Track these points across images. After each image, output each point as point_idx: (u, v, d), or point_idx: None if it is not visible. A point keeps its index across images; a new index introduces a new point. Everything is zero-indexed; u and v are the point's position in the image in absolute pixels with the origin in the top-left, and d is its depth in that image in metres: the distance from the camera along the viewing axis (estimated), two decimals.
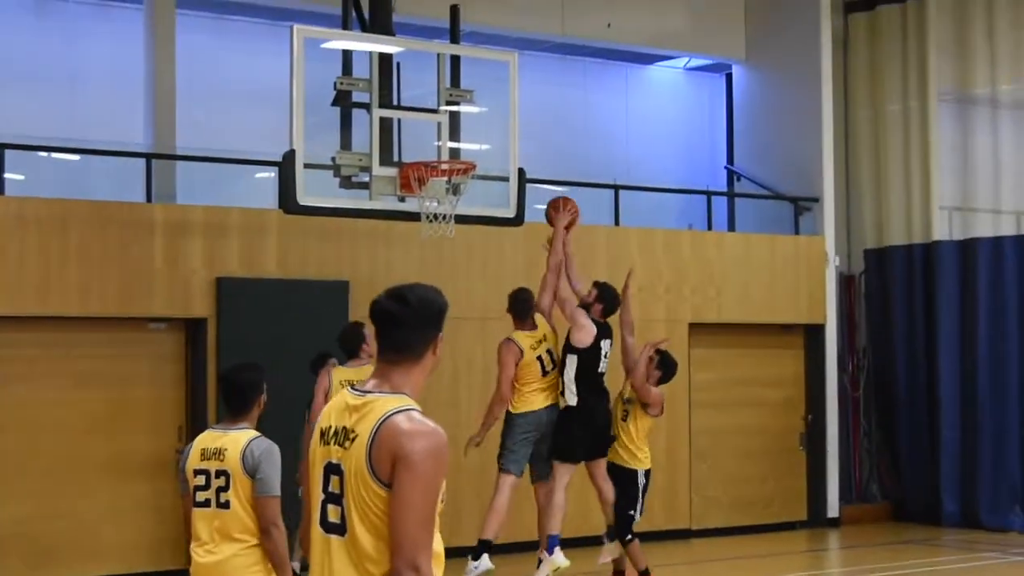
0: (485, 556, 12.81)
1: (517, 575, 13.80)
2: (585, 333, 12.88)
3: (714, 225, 19.01)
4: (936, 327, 18.95)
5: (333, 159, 12.66)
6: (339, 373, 12.34)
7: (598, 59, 19.97)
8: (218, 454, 7.28)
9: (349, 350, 12.56)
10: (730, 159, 20.63)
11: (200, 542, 7.31)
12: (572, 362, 12.83)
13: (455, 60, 13.21)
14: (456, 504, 14.92)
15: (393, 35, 13.07)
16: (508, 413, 13.03)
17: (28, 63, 15.92)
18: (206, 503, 7.28)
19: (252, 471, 7.18)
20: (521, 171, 13.36)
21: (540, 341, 13.10)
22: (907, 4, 19.59)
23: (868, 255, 19.97)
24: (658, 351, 13.53)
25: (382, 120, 12.68)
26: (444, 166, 12.67)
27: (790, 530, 18.55)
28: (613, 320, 13.48)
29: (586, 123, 19.80)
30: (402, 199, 12.86)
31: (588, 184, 18.50)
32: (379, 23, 13.06)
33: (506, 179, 13.35)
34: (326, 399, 12.06)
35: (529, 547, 14.14)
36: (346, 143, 12.77)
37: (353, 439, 4.52)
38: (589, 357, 12.88)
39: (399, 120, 12.92)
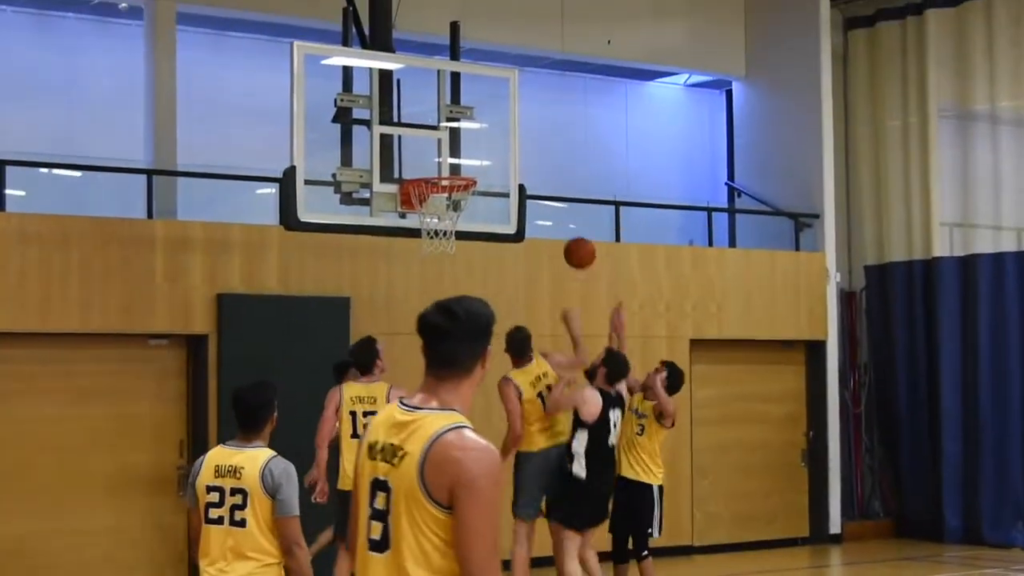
0: None
1: None
2: (591, 406, 12.61)
3: (715, 241, 19.01)
4: (937, 343, 18.94)
5: (334, 175, 12.65)
6: (350, 389, 12.28)
7: (598, 76, 19.99)
8: (234, 472, 7.25)
9: (362, 365, 12.43)
10: (730, 175, 20.63)
11: (210, 559, 7.29)
12: (582, 437, 12.56)
13: (455, 77, 13.21)
14: None
15: (393, 52, 13.07)
16: (516, 454, 12.92)
17: (29, 79, 15.94)
18: (219, 520, 7.25)
19: (272, 492, 7.17)
20: (521, 187, 13.35)
21: (538, 378, 13.03)
22: (907, 21, 19.61)
23: (869, 271, 19.97)
24: (664, 363, 13.53)
25: (382, 136, 12.68)
26: (444, 182, 12.66)
27: (792, 546, 18.52)
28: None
29: (586, 139, 19.81)
30: (403, 215, 12.86)
31: (589, 200, 18.53)
32: (379, 40, 13.07)
33: (506, 195, 13.34)
34: (337, 415, 12.03)
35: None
36: (347, 159, 12.76)
37: (402, 456, 4.46)
38: (599, 430, 12.60)
39: (399, 136, 12.91)
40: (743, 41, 20.12)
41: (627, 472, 13.05)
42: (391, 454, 4.50)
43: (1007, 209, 19.05)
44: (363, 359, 12.38)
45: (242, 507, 7.19)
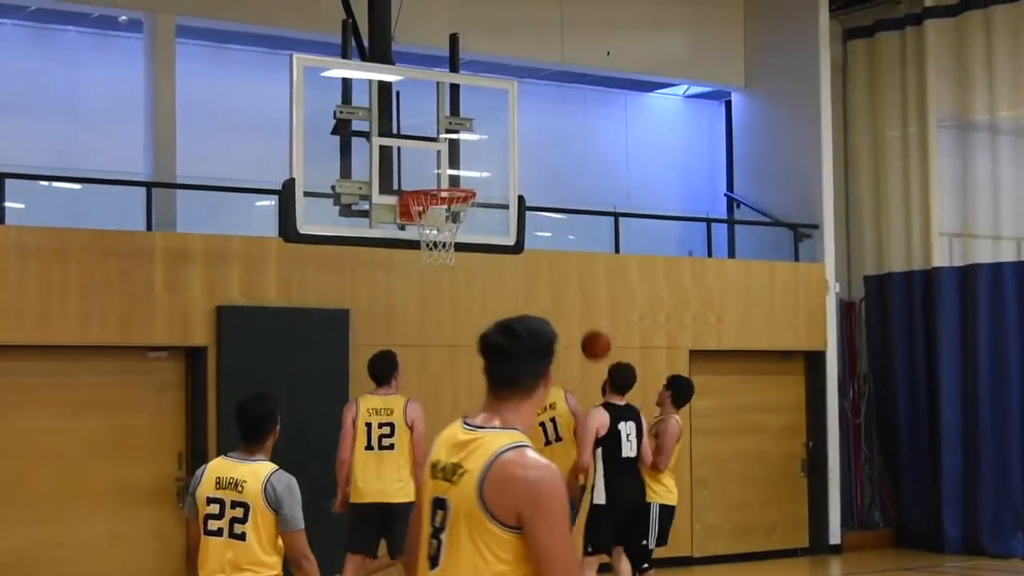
0: None
1: None
2: (594, 420, 12.61)
3: (714, 252, 19.02)
4: (937, 353, 18.94)
5: (333, 187, 12.66)
6: (366, 401, 12.25)
7: (597, 87, 20.01)
8: (235, 485, 7.26)
9: (379, 377, 12.41)
10: (730, 186, 20.64)
11: (208, 571, 7.31)
12: (598, 456, 12.63)
13: (454, 88, 13.22)
14: None
15: (392, 64, 13.09)
16: None
17: (28, 92, 15.95)
18: (218, 532, 7.28)
19: (275, 506, 7.19)
20: (521, 199, 13.36)
21: (545, 408, 13.11)
22: (906, 31, 19.62)
23: (868, 281, 19.97)
24: (670, 379, 13.57)
25: (382, 148, 12.69)
26: (444, 194, 12.67)
27: (792, 557, 18.51)
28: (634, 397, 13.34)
29: (586, 150, 19.83)
30: (402, 227, 12.87)
31: (588, 212, 18.53)
32: (378, 52, 13.09)
33: (506, 207, 13.34)
34: (354, 427, 12.01)
35: None
36: (346, 171, 12.77)
37: (462, 475, 4.47)
38: (609, 442, 12.62)
39: (399, 148, 12.93)
40: (742, 52, 20.14)
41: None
42: (451, 472, 4.51)
43: (1006, 219, 19.05)
44: (382, 371, 12.34)
45: (243, 520, 7.21)
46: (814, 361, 19.04)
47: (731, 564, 17.81)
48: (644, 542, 13.04)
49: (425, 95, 13.18)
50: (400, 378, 12.44)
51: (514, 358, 4.60)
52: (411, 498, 11.70)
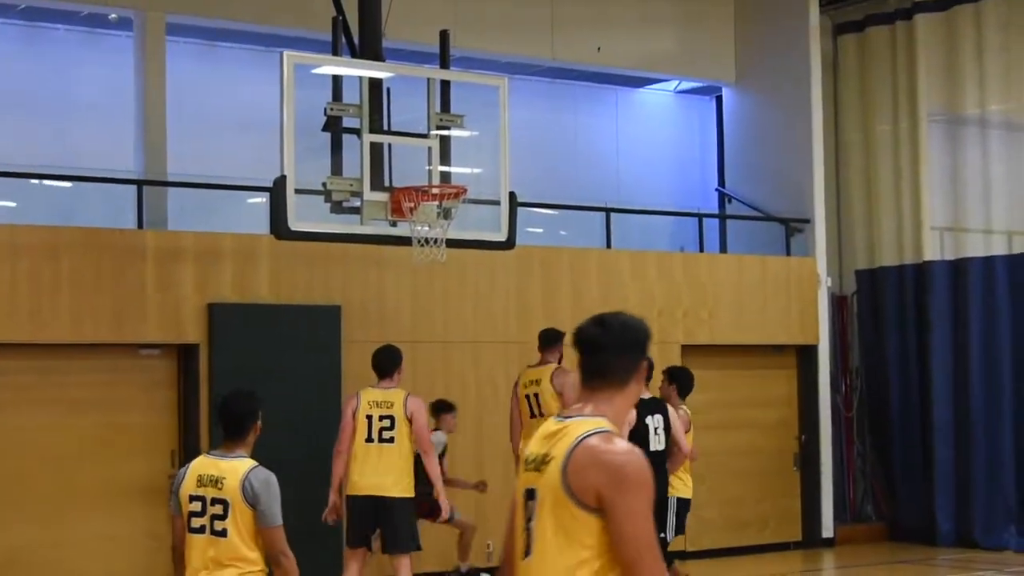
0: None
1: None
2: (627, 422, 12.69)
3: (706, 247, 19.03)
4: (928, 346, 18.97)
5: (324, 184, 12.66)
6: (368, 394, 12.19)
7: (588, 83, 20.02)
8: (215, 482, 7.30)
9: (382, 370, 12.32)
10: (721, 181, 20.67)
11: (192, 568, 7.35)
12: None
13: (445, 85, 13.23)
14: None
15: (383, 60, 13.09)
16: None
17: (19, 90, 15.94)
18: (201, 530, 7.31)
19: (253, 502, 7.21)
20: (512, 195, 13.37)
21: (530, 384, 13.24)
22: (896, 26, 19.64)
23: (860, 275, 19.99)
24: (665, 372, 13.58)
25: (373, 145, 12.70)
26: (435, 190, 12.68)
27: (785, 550, 18.53)
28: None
29: (577, 146, 19.84)
30: (393, 224, 12.87)
31: (579, 207, 18.56)
32: (369, 49, 13.08)
33: (497, 203, 13.36)
34: (354, 419, 11.98)
35: None
36: (337, 168, 12.76)
37: (548, 462, 4.50)
38: (637, 437, 12.43)
39: (389, 145, 12.94)
40: (733, 47, 20.15)
41: None
42: (540, 462, 4.54)
43: (997, 213, 19.07)
44: (385, 365, 12.26)
45: (223, 517, 7.24)
46: (806, 355, 19.07)
47: (725, 558, 17.83)
48: (663, 535, 13.07)
49: (416, 92, 13.18)
50: (403, 373, 12.40)
51: (606, 350, 4.65)
52: (408, 493, 11.69)
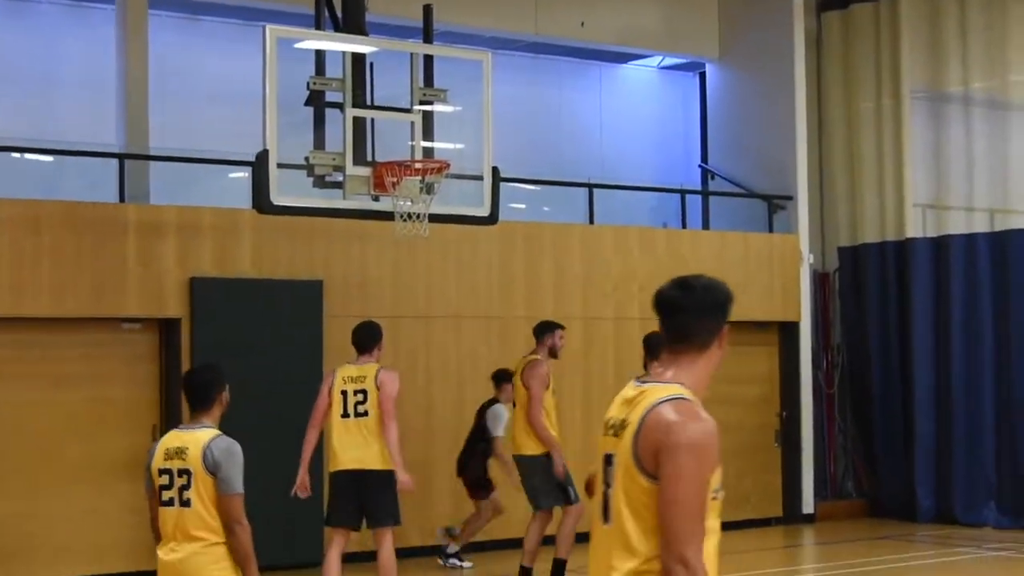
0: None
1: None
2: None
3: (688, 223, 19.04)
4: (910, 324, 19.01)
5: (306, 159, 12.64)
6: (344, 370, 12.04)
7: (572, 58, 19.99)
8: (180, 453, 7.35)
9: (361, 345, 12.09)
10: (704, 157, 20.66)
11: (165, 540, 7.39)
12: None
13: (428, 59, 13.21)
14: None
15: (366, 35, 13.06)
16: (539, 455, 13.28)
17: (0, 64, 15.86)
18: (170, 502, 7.36)
19: (213, 470, 7.23)
20: (495, 170, 13.36)
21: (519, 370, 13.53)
22: (880, 3, 19.63)
23: (842, 252, 20.02)
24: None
25: (355, 120, 12.68)
26: (418, 165, 12.67)
27: (766, 526, 18.58)
28: None
29: (560, 122, 19.82)
30: (376, 198, 12.85)
31: (562, 183, 18.55)
32: (352, 23, 13.05)
33: (480, 178, 13.35)
34: (329, 396, 11.92)
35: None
36: (319, 143, 12.75)
37: (624, 428, 4.47)
38: None
39: (372, 120, 12.92)
40: (717, 23, 20.14)
41: None
42: (619, 427, 4.50)
43: (980, 190, 19.10)
44: (363, 340, 12.12)
45: (188, 487, 7.27)
46: (788, 332, 19.10)
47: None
48: None
49: (399, 66, 13.16)
50: (383, 349, 12.26)
51: (687, 312, 4.62)
52: (389, 465, 11.65)
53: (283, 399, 14.58)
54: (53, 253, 13.98)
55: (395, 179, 12.47)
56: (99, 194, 14.96)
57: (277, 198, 12.20)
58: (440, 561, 15.12)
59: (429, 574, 14.79)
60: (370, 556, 12.27)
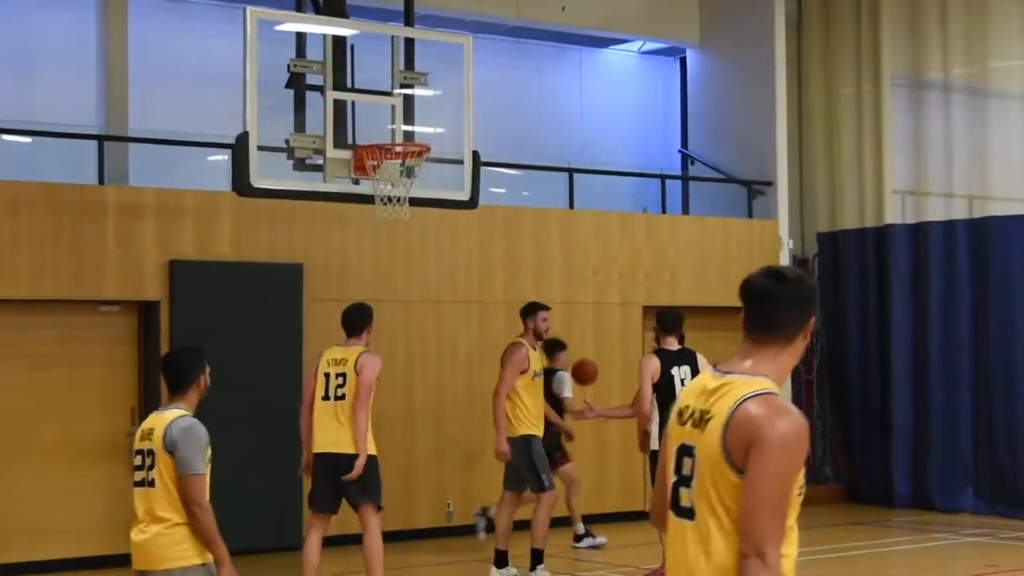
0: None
1: None
2: (647, 368, 12.74)
3: (668, 208, 19.05)
4: (889, 310, 19.06)
5: (287, 141, 12.61)
6: (330, 352, 11.97)
7: (553, 42, 19.96)
8: (149, 434, 7.37)
9: (349, 328, 11.95)
10: (684, 143, 20.67)
11: (136, 521, 7.40)
12: (655, 402, 12.73)
13: (409, 43, 13.18)
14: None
15: (347, 17, 13.03)
16: (533, 436, 13.25)
17: None
18: (142, 483, 7.37)
19: (171, 449, 7.22)
20: (475, 154, 13.35)
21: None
22: None
23: (821, 238, 20.06)
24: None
25: (336, 102, 12.64)
26: (398, 149, 12.64)
27: None
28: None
29: (540, 106, 19.80)
30: (356, 182, 12.83)
31: (543, 167, 18.54)
32: (333, 5, 13.02)
33: (460, 162, 13.34)
34: (315, 379, 11.86)
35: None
36: (300, 126, 12.72)
37: (708, 420, 4.39)
38: (662, 388, 12.66)
39: (353, 103, 12.89)
40: (697, 8, 20.14)
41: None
42: (700, 419, 4.43)
43: (959, 177, 19.13)
44: (351, 323, 12.02)
45: (152, 467, 7.27)
46: None
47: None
48: None
49: (380, 49, 13.13)
50: (372, 332, 12.15)
51: (777, 301, 4.55)
52: (369, 450, 11.59)
53: (262, 382, 14.58)
54: (31, 235, 13.93)
55: (375, 162, 12.44)
56: (78, 176, 14.91)
57: (257, 181, 12.17)
58: (576, 543, 15.32)
59: (415, 557, 14.79)
60: (355, 539, 12.22)
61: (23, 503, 14.00)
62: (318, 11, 13.06)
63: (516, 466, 13.18)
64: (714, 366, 4.62)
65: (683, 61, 20.77)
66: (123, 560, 13.59)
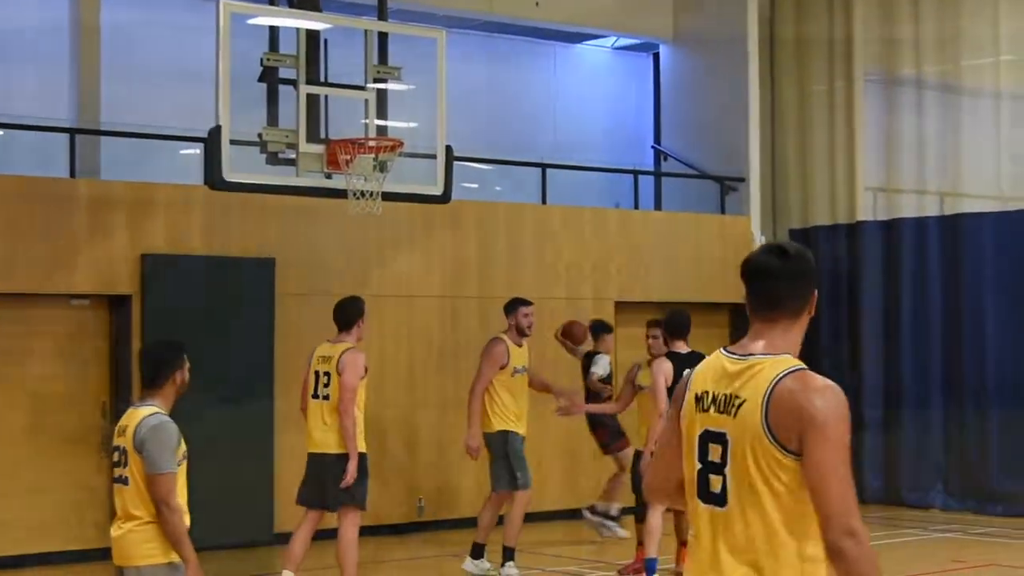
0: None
1: None
2: (659, 372, 12.66)
3: (640, 204, 19.08)
4: (860, 306, 19.11)
5: (260, 135, 12.58)
6: (320, 349, 11.80)
7: (526, 38, 19.96)
8: (123, 431, 7.33)
9: (340, 323, 11.86)
10: (657, 139, 20.69)
11: (115, 518, 7.40)
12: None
13: (383, 37, 13.17)
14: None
15: (320, 11, 13.02)
16: (511, 432, 13.17)
17: None
18: (119, 480, 7.35)
19: (139, 447, 7.18)
20: (448, 149, 13.35)
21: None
22: None
23: (793, 235, 20.07)
24: (652, 323, 13.54)
25: (309, 96, 12.62)
26: (371, 143, 12.63)
27: None
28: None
29: (514, 102, 19.79)
30: (329, 176, 12.82)
31: (515, 162, 18.56)
32: None
33: (433, 157, 13.33)
34: (307, 375, 11.80)
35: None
36: (273, 119, 12.70)
37: (740, 404, 4.35)
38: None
39: (326, 97, 12.87)
40: (671, 4, 20.17)
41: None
42: (726, 403, 4.39)
43: (931, 174, 19.17)
44: (340, 317, 11.92)
45: (124, 465, 7.25)
46: (739, 313, 19.02)
47: (668, 513, 17.88)
48: None
49: (353, 44, 13.11)
50: (363, 326, 12.03)
51: (781, 277, 4.55)
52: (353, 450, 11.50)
53: (233, 377, 14.55)
54: (3, 228, 13.87)
55: (348, 157, 12.43)
56: (50, 169, 14.84)
57: (230, 175, 12.13)
58: (591, 514, 15.39)
59: (386, 552, 14.78)
60: (330, 534, 12.16)
61: None
62: (291, 5, 13.04)
63: (495, 464, 13.14)
64: (724, 349, 4.59)
65: (656, 57, 20.79)
66: (91, 555, 13.61)
